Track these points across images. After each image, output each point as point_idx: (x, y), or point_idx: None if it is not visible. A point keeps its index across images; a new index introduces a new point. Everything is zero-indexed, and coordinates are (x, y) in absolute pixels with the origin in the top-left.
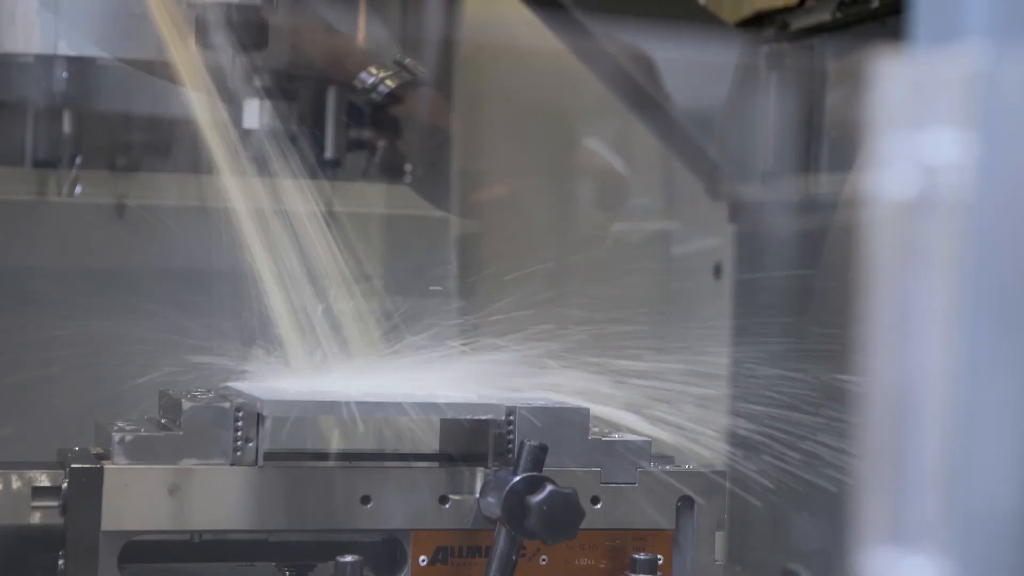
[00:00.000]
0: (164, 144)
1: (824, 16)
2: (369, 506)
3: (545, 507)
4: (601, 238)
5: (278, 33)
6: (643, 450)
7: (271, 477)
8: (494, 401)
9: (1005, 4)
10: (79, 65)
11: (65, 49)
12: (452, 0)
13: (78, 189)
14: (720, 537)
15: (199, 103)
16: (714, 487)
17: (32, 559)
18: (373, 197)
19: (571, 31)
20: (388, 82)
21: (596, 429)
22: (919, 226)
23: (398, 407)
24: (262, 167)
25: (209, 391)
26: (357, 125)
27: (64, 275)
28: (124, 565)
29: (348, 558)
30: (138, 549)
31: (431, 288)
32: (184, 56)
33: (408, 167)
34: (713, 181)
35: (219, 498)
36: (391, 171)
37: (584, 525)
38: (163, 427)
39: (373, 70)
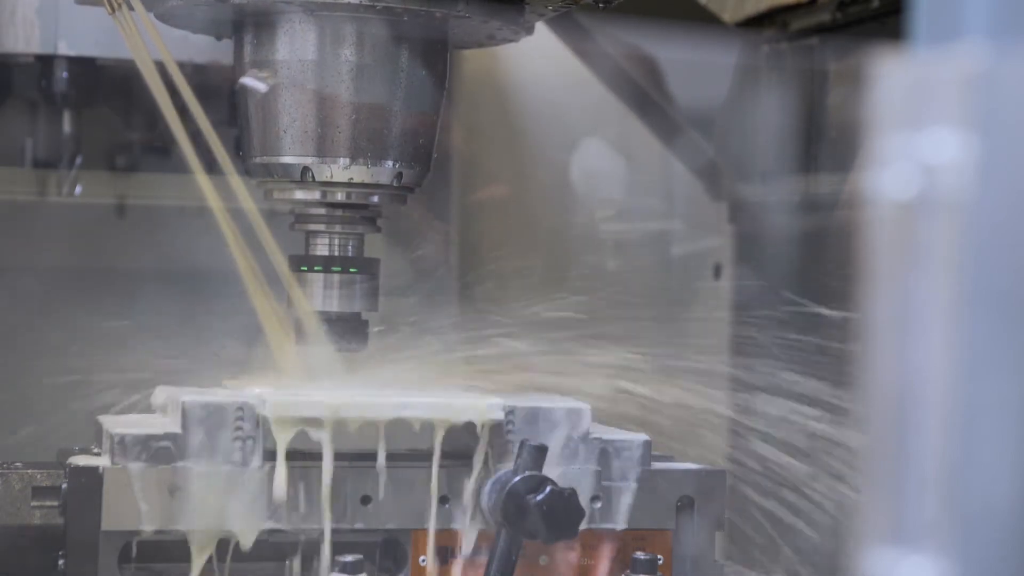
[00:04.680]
0: (164, 144)
1: (824, 16)
2: (369, 506)
3: (545, 507)
4: (601, 238)
5: None
6: (643, 450)
7: (271, 477)
8: (494, 401)
9: (1005, 4)
10: (79, 65)
11: (65, 49)
12: None
13: (78, 189)
14: (720, 537)
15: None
16: (714, 487)
17: (32, 559)
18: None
19: (571, 31)
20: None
21: (596, 428)
22: (919, 226)
23: (397, 407)
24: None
25: (208, 390)
26: None
27: (64, 275)
28: (124, 565)
29: (348, 558)
30: (138, 549)
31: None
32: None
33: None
34: (713, 181)
35: (219, 498)
36: None
37: (584, 525)
38: (163, 427)
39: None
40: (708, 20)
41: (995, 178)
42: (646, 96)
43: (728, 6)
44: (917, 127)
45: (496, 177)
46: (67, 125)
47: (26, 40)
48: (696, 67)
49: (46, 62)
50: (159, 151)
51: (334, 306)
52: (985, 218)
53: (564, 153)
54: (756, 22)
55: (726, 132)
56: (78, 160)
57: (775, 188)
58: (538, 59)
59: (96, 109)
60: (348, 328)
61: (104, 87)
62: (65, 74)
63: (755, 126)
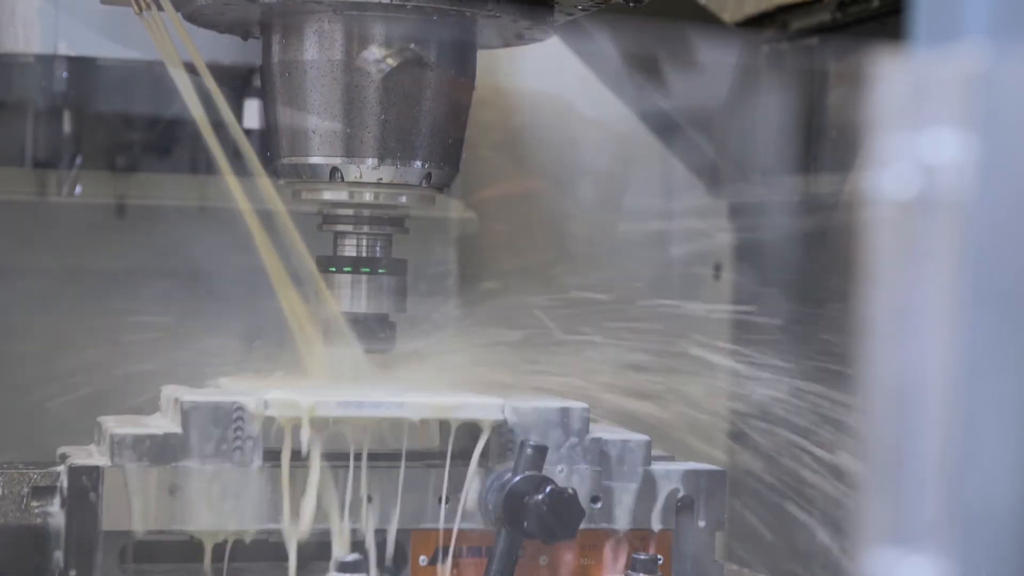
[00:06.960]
0: (164, 144)
1: (824, 16)
2: (369, 506)
3: (545, 507)
4: (601, 239)
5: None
6: (643, 450)
7: (271, 477)
8: (494, 401)
9: (1005, 4)
10: (79, 65)
11: (65, 49)
12: None
13: (78, 189)
14: (720, 537)
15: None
16: (714, 487)
17: (32, 559)
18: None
19: (572, 30)
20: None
21: (596, 428)
22: (919, 226)
23: (398, 407)
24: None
25: (208, 390)
26: None
27: (64, 275)
28: (124, 565)
29: (348, 558)
30: (138, 549)
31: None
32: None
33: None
34: (713, 181)
35: (219, 498)
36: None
37: (584, 525)
38: (163, 427)
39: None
40: (708, 20)
41: (995, 178)
42: (646, 96)
43: (728, 6)
44: (917, 127)
45: (494, 176)
46: (67, 125)
47: (26, 40)
48: (696, 67)
49: (46, 62)
50: (159, 151)
51: (361, 307)
52: (985, 218)
53: (563, 152)
54: (756, 22)
55: (726, 132)
56: (78, 160)
57: (775, 188)
58: (538, 58)
59: (96, 109)
60: (371, 329)
61: (104, 87)
62: (65, 74)
63: (755, 126)
